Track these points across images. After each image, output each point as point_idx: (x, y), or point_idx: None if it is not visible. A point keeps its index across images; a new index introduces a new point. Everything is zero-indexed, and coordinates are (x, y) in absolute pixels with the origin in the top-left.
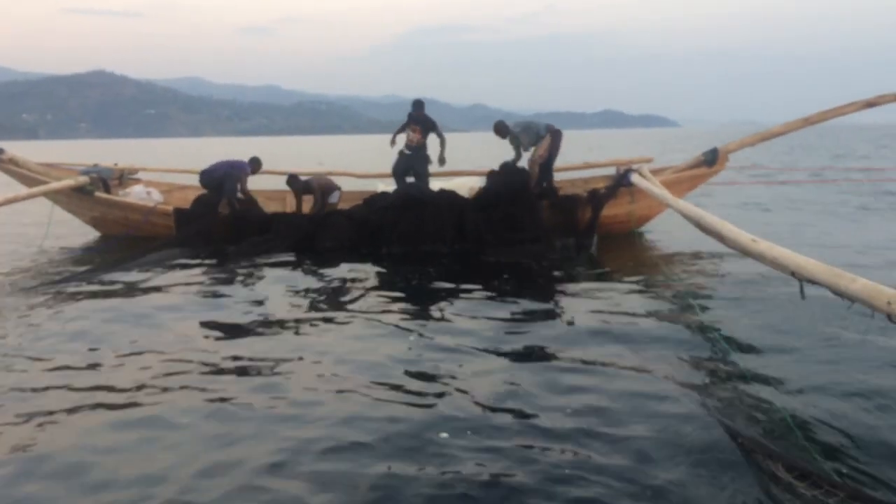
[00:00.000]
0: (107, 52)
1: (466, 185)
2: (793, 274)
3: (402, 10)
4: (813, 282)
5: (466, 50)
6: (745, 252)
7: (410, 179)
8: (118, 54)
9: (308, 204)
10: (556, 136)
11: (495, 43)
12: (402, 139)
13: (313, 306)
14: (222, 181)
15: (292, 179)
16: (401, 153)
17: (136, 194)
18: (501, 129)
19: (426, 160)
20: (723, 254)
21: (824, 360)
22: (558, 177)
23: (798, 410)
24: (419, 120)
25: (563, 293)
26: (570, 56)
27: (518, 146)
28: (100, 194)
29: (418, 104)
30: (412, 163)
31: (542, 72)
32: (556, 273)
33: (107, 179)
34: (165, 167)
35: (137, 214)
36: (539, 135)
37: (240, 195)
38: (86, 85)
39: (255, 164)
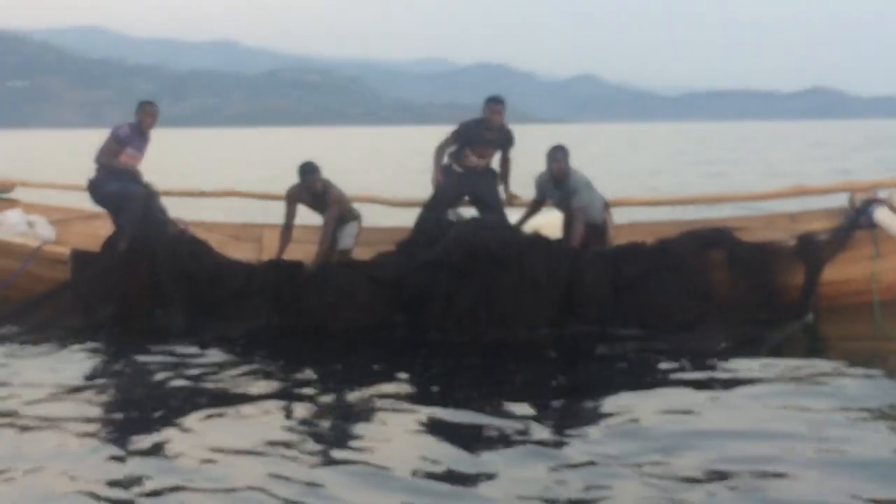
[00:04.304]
0: None
1: (558, 222)
2: None
3: None
4: None
5: None
6: None
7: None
8: None
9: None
10: None
11: None
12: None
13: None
14: (120, 200)
15: (307, 168)
16: (450, 172)
17: (9, 226)
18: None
19: (495, 181)
20: None
21: None
22: (742, 210)
23: None
24: (488, 141)
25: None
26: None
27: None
28: None
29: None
30: (471, 186)
31: (686, 31)
32: (746, 373)
33: None
34: (62, 182)
35: (11, 260)
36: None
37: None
38: None
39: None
